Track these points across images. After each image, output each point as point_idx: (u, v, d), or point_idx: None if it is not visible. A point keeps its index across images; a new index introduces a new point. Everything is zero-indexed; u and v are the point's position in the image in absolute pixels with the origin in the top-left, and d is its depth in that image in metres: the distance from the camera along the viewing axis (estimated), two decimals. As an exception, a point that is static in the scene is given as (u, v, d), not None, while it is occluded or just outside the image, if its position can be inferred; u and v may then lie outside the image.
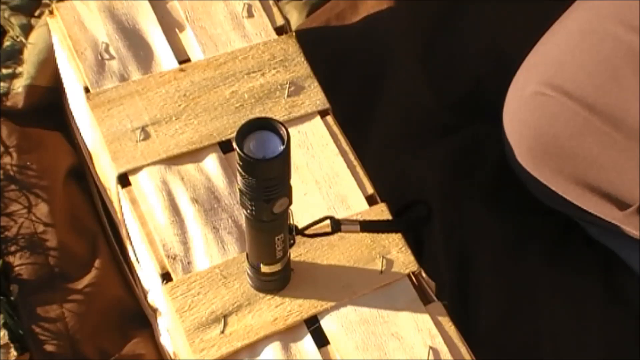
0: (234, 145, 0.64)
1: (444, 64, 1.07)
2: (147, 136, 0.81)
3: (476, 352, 0.76)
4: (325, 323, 0.75)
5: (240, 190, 0.67)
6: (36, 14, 1.04)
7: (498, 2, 1.08)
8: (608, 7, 0.89)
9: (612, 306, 0.94)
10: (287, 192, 0.68)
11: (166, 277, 0.76)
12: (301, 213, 0.79)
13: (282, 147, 0.64)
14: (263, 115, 0.83)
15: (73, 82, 0.87)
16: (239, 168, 0.65)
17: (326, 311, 0.75)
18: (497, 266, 0.94)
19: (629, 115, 0.85)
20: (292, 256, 0.76)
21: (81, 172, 0.98)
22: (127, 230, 0.83)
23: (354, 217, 0.79)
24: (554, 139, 0.89)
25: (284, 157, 0.65)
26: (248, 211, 0.68)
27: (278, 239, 0.71)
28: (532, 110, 0.91)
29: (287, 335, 0.74)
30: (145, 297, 0.86)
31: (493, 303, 0.93)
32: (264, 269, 0.73)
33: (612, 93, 0.86)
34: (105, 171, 0.83)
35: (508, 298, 0.93)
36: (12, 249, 0.91)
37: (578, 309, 0.93)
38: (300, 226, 0.77)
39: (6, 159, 0.95)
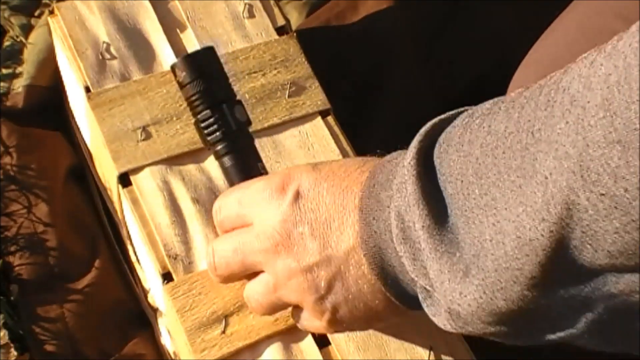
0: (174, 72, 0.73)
1: (444, 64, 1.07)
2: (148, 136, 0.81)
3: (477, 351, 0.76)
4: (327, 323, 0.75)
5: (201, 118, 0.72)
6: (36, 14, 1.04)
7: (498, 2, 1.08)
8: (606, 4, 0.89)
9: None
10: (234, 97, 0.73)
11: (167, 277, 0.76)
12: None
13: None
14: (264, 115, 0.83)
15: (73, 82, 0.86)
16: (189, 90, 0.72)
17: (327, 311, 0.75)
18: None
19: None
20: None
21: (81, 172, 0.98)
22: (127, 230, 0.83)
23: (355, 218, 0.79)
24: None
25: (211, 51, 0.73)
26: (215, 131, 0.72)
27: (261, 168, 0.73)
28: None
29: (288, 335, 0.74)
30: (146, 297, 0.86)
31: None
32: None
33: None
34: (106, 171, 0.83)
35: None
36: (12, 249, 0.90)
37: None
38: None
39: (6, 159, 0.94)
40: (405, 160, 0.57)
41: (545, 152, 0.48)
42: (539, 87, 0.52)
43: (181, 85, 0.73)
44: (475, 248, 0.53)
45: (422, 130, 0.59)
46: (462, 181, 0.54)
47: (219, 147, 0.73)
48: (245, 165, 0.73)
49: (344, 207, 0.63)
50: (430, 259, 0.55)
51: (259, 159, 0.74)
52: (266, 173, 0.73)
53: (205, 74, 0.72)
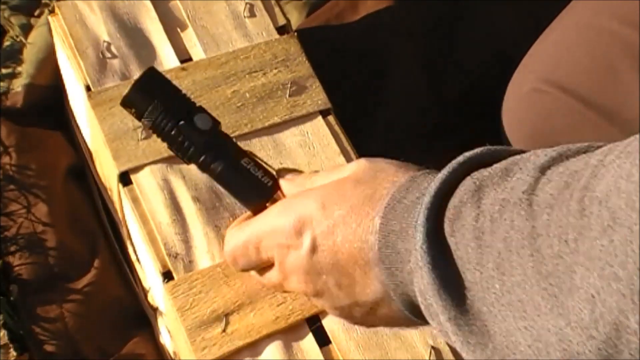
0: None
1: (444, 63, 1.07)
2: (148, 135, 0.81)
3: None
4: (327, 322, 0.75)
5: (169, 144, 0.68)
6: (36, 13, 1.04)
7: (498, 2, 1.09)
8: (604, 4, 0.89)
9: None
10: (192, 108, 0.69)
11: (167, 275, 0.76)
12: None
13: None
14: (264, 114, 0.83)
15: (74, 81, 0.86)
16: (146, 124, 0.68)
17: (328, 310, 0.75)
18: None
19: (624, 109, 0.85)
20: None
21: (81, 171, 0.98)
22: (127, 229, 0.83)
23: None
24: (550, 134, 0.89)
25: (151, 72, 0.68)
26: (186, 150, 0.68)
27: (246, 164, 0.69)
28: (529, 107, 0.91)
29: (288, 334, 0.74)
30: (146, 296, 0.86)
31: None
32: None
33: (607, 86, 0.87)
34: (107, 170, 0.83)
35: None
36: (12, 249, 0.90)
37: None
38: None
39: (5, 159, 0.94)
40: (416, 242, 0.56)
41: (586, 267, 0.48)
42: (566, 187, 0.51)
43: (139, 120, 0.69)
44: (506, 342, 0.52)
45: (427, 201, 0.56)
46: (481, 272, 0.53)
47: (197, 163, 0.70)
48: (230, 168, 0.69)
49: (364, 259, 0.61)
50: (463, 351, 0.55)
51: (244, 154, 0.70)
52: (254, 163, 0.70)
53: (151, 101, 0.68)
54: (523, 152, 0.57)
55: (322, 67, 0.89)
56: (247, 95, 0.84)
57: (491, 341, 0.53)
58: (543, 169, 0.53)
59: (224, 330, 0.73)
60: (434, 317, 0.56)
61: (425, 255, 0.54)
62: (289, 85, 0.85)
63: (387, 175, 0.62)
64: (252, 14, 0.89)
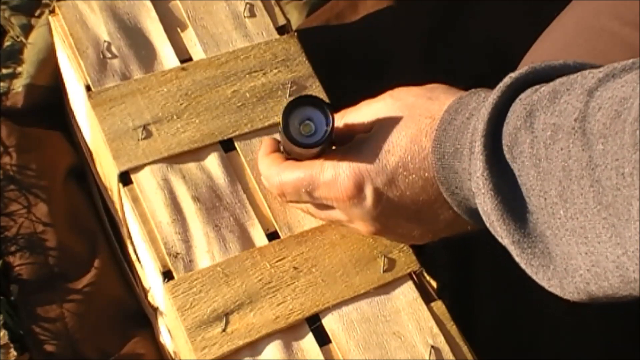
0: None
1: (444, 63, 1.07)
2: (148, 135, 0.81)
3: (477, 351, 0.76)
4: (327, 322, 0.75)
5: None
6: (36, 14, 1.04)
7: (498, 2, 1.09)
8: (604, 4, 0.89)
9: (613, 306, 0.93)
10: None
11: (167, 275, 0.76)
12: (303, 213, 0.79)
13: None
14: (265, 114, 0.83)
15: (74, 81, 0.86)
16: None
17: (327, 310, 0.75)
18: (498, 265, 0.94)
19: None
20: (293, 254, 0.76)
21: (81, 171, 0.98)
22: (127, 229, 0.83)
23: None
24: None
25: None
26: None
27: None
28: None
29: (288, 333, 0.74)
30: (146, 296, 0.86)
31: (493, 303, 0.93)
32: None
33: None
34: (107, 170, 0.83)
35: (508, 297, 0.93)
36: (12, 249, 0.90)
37: (578, 309, 0.93)
38: (296, 228, 0.78)
39: (5, 159, 0.94)
40: (476, 169, 0.59)
41: None
42: (617, 117, 0.52)
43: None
44: (566, 264, 0.55)
45: (481, 128, 0.59)
46: (545, 199, 0.55)
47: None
48: None
49: (428, 193, 0.66)
50: (527, 271, 0.58)
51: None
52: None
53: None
54: (569, 68, 0.60)
55: (322, 67, 0.89)
56: (247, 95, 0.84)
57: (552, 263, 0.56)
58: (591, 92, 0.54)
59: (224, 330, 0.73)
60: (498, 236, 0.60)
61: (487, 182, 0.58)
62: (289, 85, 0.85)
63: (422, 110, 0.67)
64: (252, 14, 0.89)
